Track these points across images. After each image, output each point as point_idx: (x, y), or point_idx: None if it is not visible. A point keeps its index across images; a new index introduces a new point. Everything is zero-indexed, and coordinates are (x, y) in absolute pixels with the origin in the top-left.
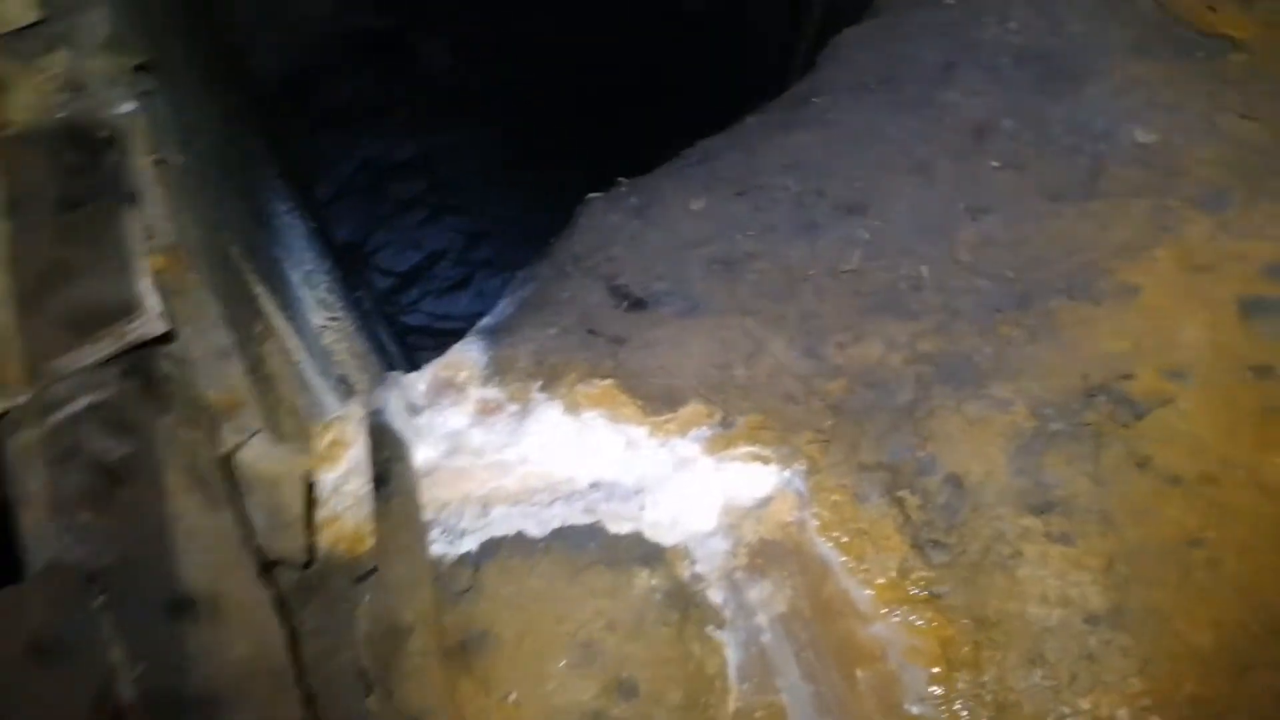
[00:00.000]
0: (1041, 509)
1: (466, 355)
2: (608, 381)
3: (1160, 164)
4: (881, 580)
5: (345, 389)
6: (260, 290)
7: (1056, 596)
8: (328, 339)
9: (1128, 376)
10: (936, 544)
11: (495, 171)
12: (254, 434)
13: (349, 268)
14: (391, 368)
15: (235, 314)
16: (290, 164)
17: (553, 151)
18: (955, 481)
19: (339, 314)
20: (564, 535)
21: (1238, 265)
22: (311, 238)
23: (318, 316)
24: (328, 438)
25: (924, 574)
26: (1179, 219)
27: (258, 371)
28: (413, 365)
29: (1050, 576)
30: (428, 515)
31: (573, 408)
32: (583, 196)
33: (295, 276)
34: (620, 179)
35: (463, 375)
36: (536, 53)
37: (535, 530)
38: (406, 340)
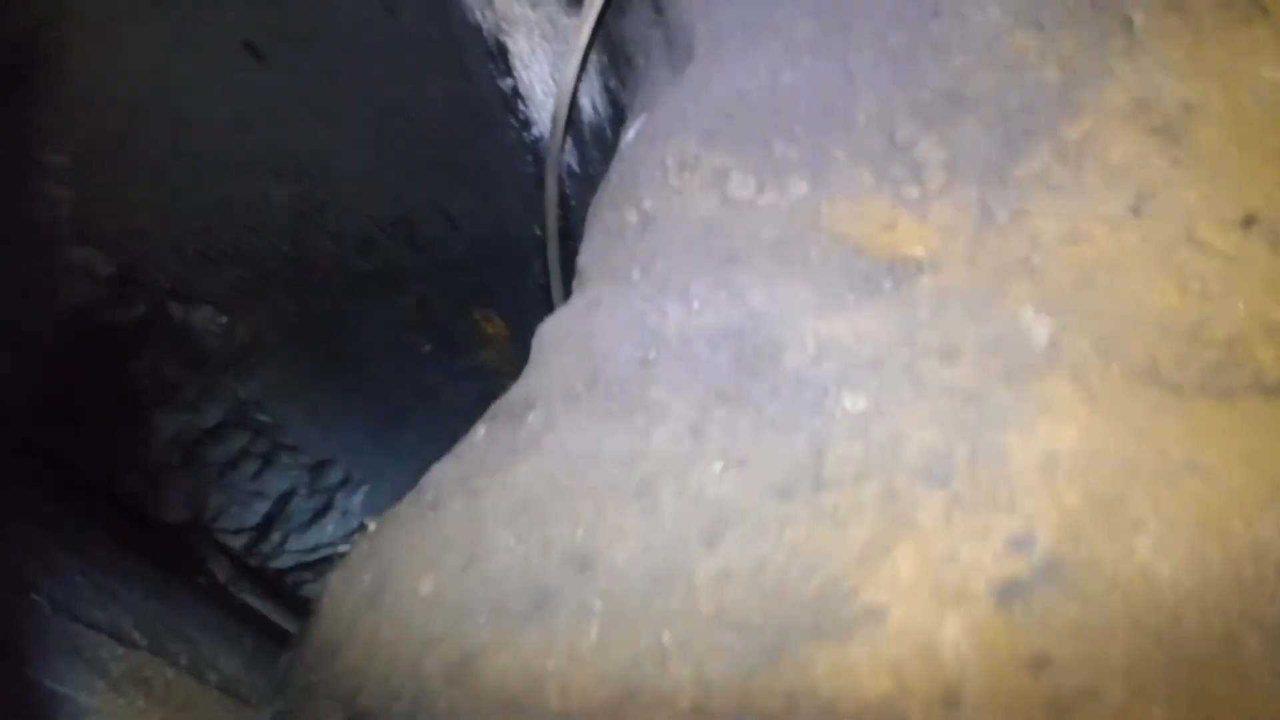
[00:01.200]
0: None
1: None
2: None
3: (877, 435)
4: None
5: None
6: None
7: None
8: None
9: None
10: None
11: (314, 400)
12: None
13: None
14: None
15: None
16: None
17: (359, 360)
18: None
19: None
20: None
21: (980, 546)
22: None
23: None
24: None
25: None
26: (910, 502)
27: None
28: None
29: None
30: None
31: None
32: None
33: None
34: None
35: None
36: (298, 274)
37: None
38: (285, 581)
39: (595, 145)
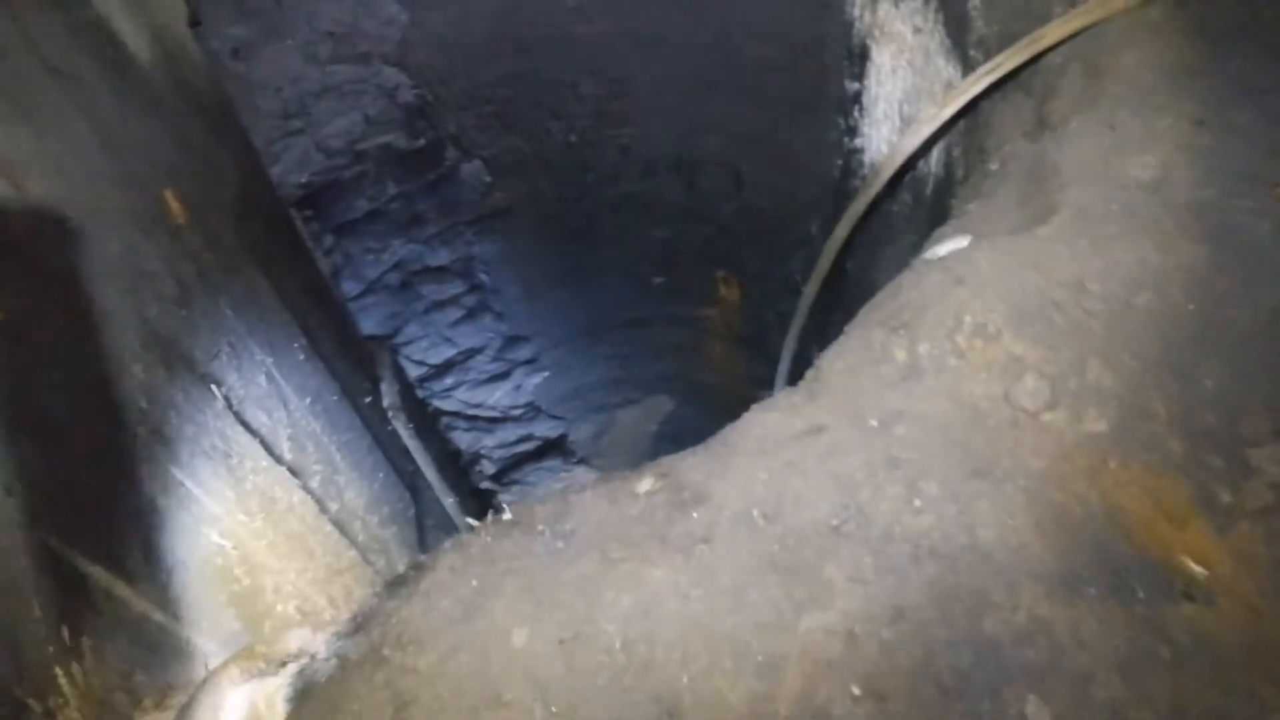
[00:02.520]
0: None
1: None
2: None
3: None
4: None
5: None
6: None
7: None
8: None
9: None
10: None
11: (534, 283)
12: None
13: (370, 360)
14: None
15: None
16: (309, 269)
17: (592, 266)
18: None
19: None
20: None
21: None
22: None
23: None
24: None
25: None
26: None
27: None
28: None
29: None
30: None
31: None
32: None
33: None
34: None
35: None
36: (573, 170)
37: None
38: (438, 423)
39: (908, 189)
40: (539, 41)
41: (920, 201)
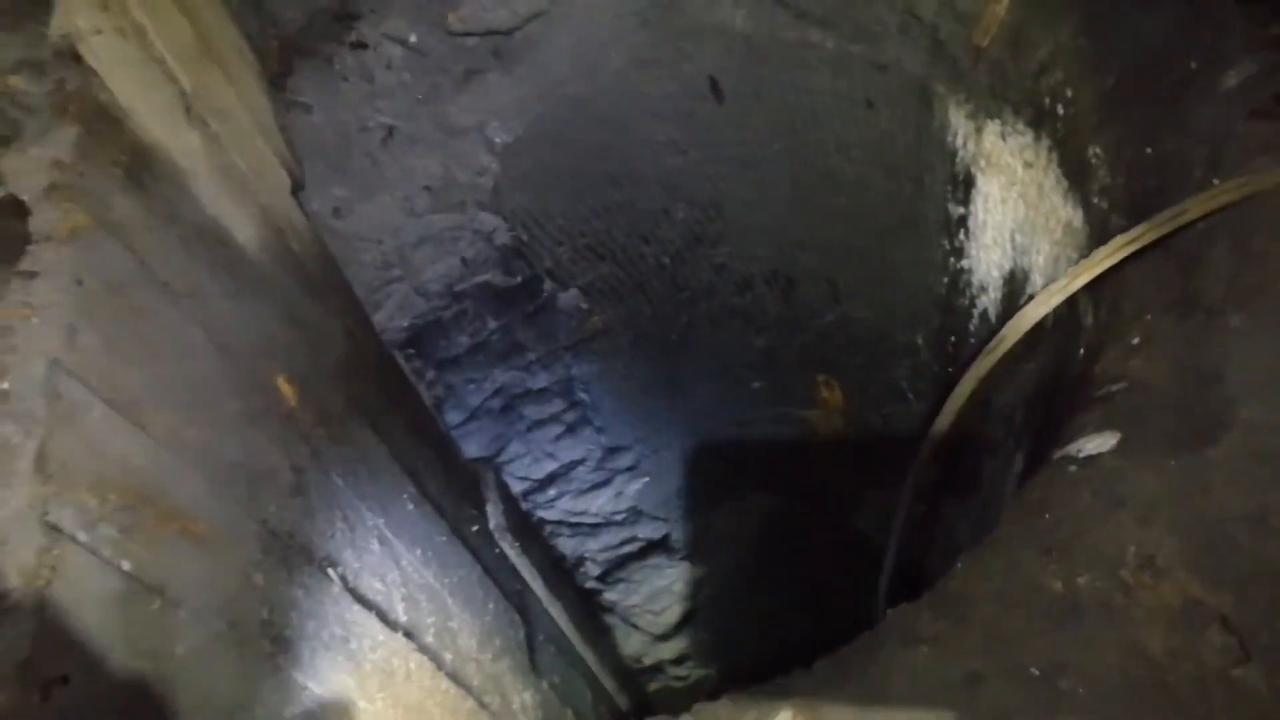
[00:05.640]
0: None
1: None
2: None
3: None
4: None
5: None
6: None
7: None
8: None
9: None
10: None
11: (633, 395)
12: None
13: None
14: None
15: None
16: (415, 407)
17: (690, 375)
18: None
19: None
20: None
21: None
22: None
23: None
24: None
25: None
26: None
27: None
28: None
29: None
30: None
31: None
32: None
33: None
34: None
35: None
36: (668, 289)
37: None
38: (543, 532)
39: (1026, 351)
40: (630, 175)
41: (1044, 363)
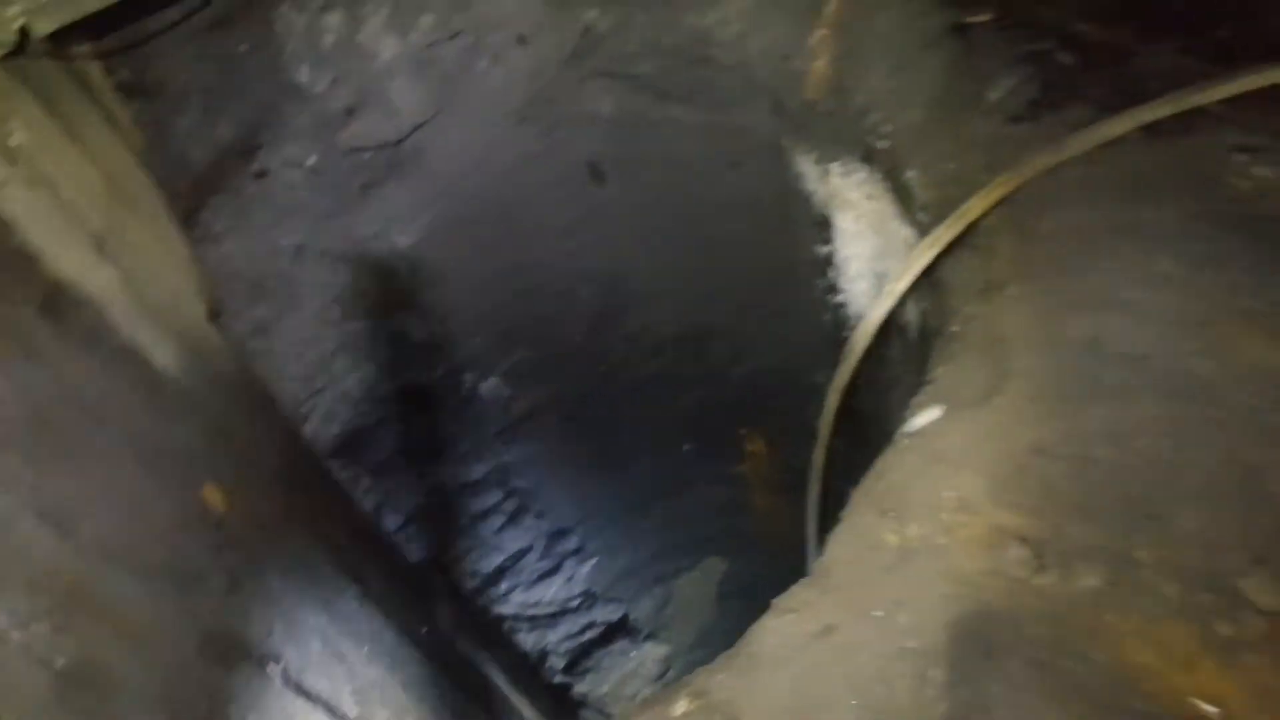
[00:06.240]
0: None
1: None
2: None
3: None
4: None
5: None
6: None
7: None
8: None
9: None
10: None
11: (568, 476)
12: None
13: (423, 585)
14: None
15: None
16: (353, 515)
17: (622, 448)
18: None
19: None
20: None
21: None
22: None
23: None
24: None
25: None
26: None
27: None
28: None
29: None
30: None
31: None
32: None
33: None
34: None
35: None
36: (586, 365)
37: None
38: (501, 628)
39: (896, 340)
40: (532, 261)
41: (909, 349)
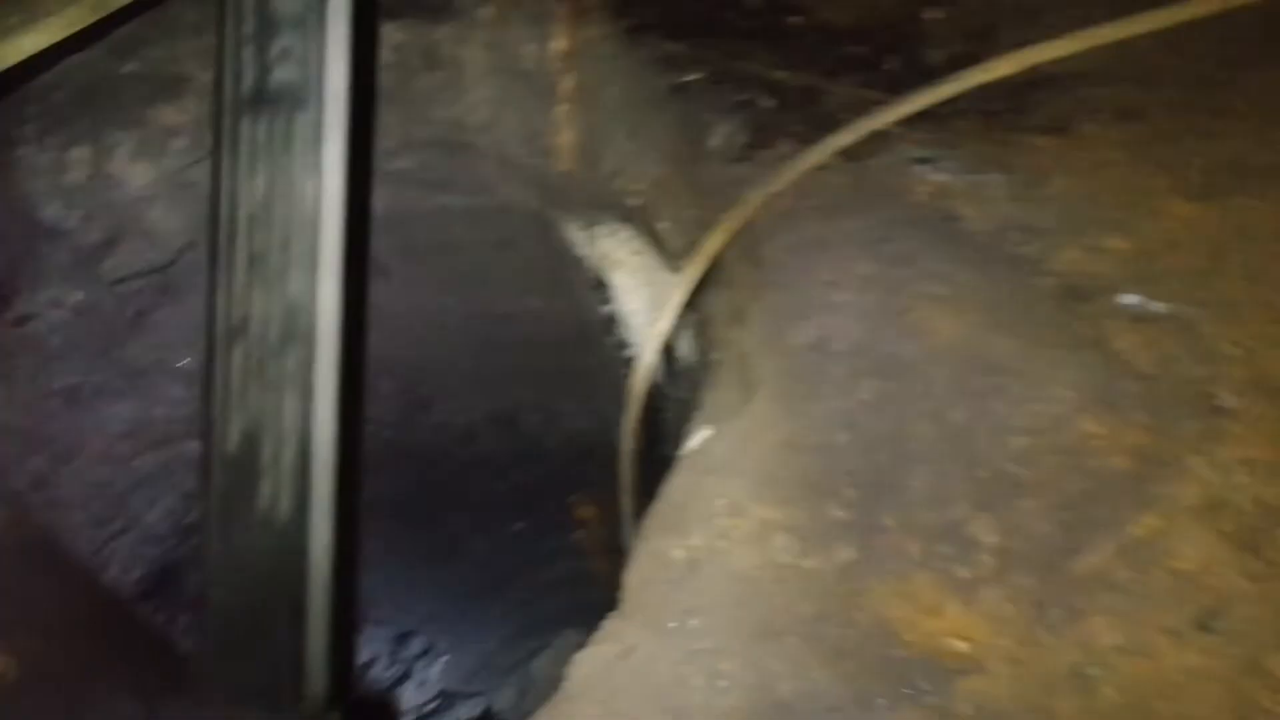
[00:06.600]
0: None
1: None
2: None
3: None
4: None
5: None
6: None
7: None
8: None
9: None
10: None
11: (404, 574)
12: None
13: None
14: None
15: None
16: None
17: (453, 540)
18: None
19: None
20: None
21: None
22: None
23: None
24: None
25: None
26: None
27: None
28: None
29: None
30: None
31: None
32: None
33: None
34: None
35: None
36: (400, 465)
37: None
38: None
39: (682, 379)
40: None
41: (690, 384)
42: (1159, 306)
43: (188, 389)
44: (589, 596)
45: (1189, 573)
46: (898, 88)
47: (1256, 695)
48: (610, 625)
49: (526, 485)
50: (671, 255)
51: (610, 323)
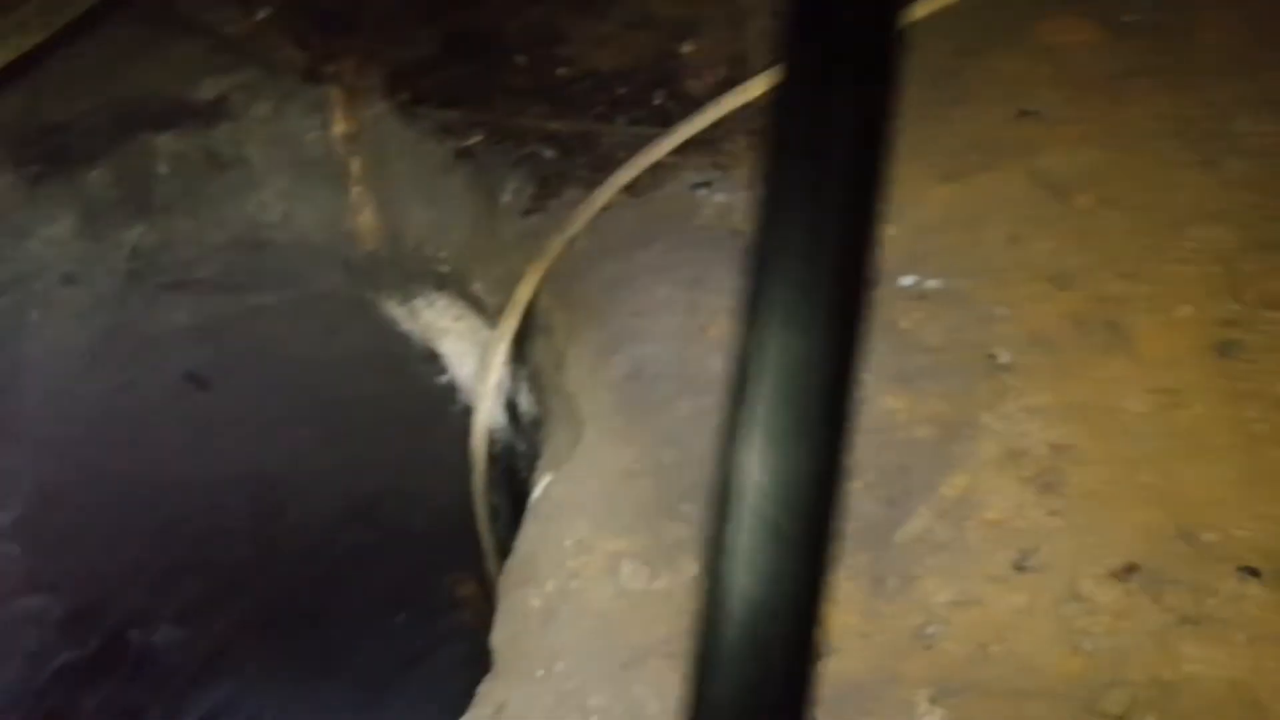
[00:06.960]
0: None
1: None
2: None
3: None
4: None
5: None
6: None
7: None
8: None
9: None
10: None
11: (290, 691)
12: None
13: None
14: None
15: None
16: None
17: (334, 647)
18: None
19: None
20: None
21: None
22: None
23: None
24: None
25: None
26: None
27: None
28: None
29: None
30: None
31: None
32: None
33: None
34: None
35: None
36: (259, 583)
37: None
38: None
39: (530, 430)
40: (168, 488)
41: (535, 436)
42: (934, 283)
43: (15, 542)
44: (480, 677)
45: (1000, 521)
46: (668, 120)
47: (1076, 619)
48: (483, 688)
49: (400, 573)
50: (491, 313)
51: (451, 391)
